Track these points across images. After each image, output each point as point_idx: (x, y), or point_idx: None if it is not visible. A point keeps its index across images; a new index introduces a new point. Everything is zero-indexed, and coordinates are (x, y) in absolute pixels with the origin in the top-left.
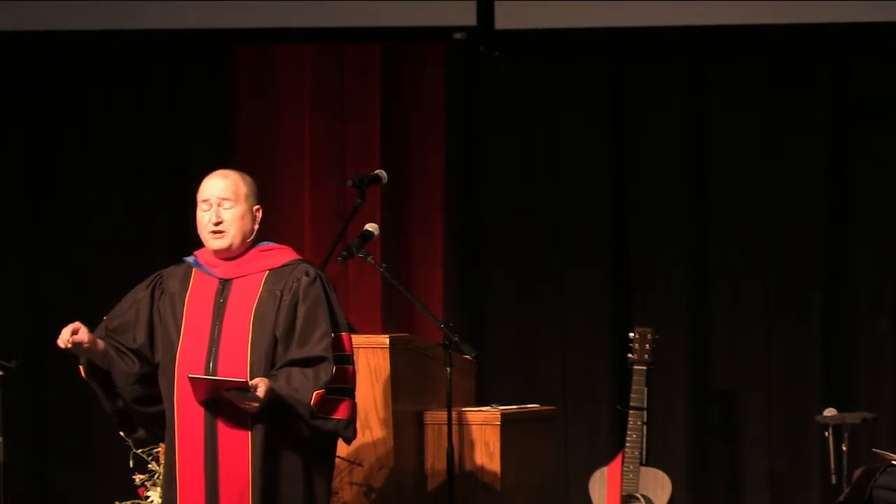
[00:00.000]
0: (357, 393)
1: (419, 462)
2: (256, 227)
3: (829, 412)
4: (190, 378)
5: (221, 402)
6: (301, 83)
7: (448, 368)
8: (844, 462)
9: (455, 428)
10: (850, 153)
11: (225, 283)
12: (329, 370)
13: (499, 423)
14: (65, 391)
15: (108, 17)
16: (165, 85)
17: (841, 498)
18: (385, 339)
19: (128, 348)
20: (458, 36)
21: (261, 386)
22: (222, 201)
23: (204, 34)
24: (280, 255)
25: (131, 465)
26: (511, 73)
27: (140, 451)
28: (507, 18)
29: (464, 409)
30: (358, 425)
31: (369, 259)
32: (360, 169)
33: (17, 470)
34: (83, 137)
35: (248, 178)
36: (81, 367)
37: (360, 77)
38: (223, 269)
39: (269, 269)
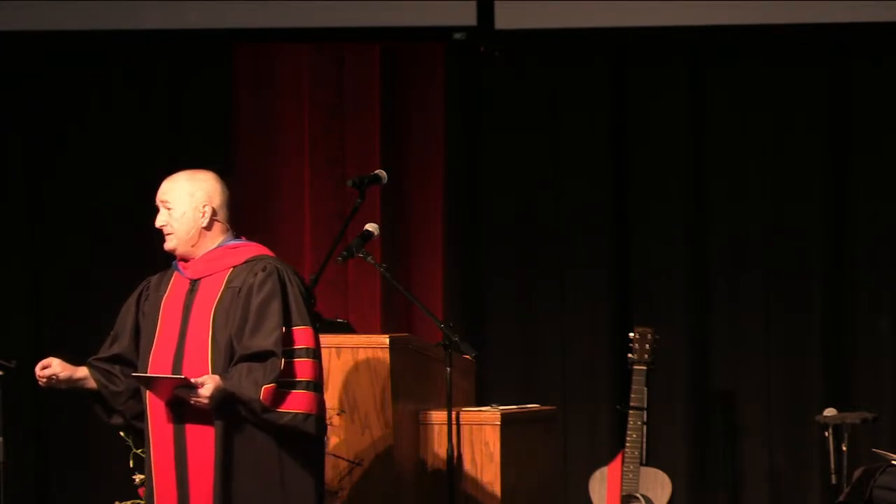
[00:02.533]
0: (357, 393)
1: (419, 462)
2: (202, 225)
3: (829, 412)
4: (134, 376)
5: (185, 400)
6: (301, 83)
7: (448, 368)
8: (844, 462)
9: (455, 428)
10: (850, 153)
11: (194, 283)
12: (277, 365)
13: (499, 423)
14: (64, 391)
15: (108, 17)
16: (165, 85)
17: (841, 498)
18: (385, 339)
19: (112, 360)
20: (458, 36)
21: (209, 383)
22: (163, 203)
23: (204, 34)
24: (245, 251)
25: (131, 465)
26: (511, 73)
27: (140, 451)
28: (507, 18)
29: (464, 409)
30: (358, 425)
31: (369, 259)
32: (360, 169)
33: (17, 470)
34: (83, 138)
35: (202, 176)
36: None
37: (359, 77)
38: (192, 270)
39: (232, 267)
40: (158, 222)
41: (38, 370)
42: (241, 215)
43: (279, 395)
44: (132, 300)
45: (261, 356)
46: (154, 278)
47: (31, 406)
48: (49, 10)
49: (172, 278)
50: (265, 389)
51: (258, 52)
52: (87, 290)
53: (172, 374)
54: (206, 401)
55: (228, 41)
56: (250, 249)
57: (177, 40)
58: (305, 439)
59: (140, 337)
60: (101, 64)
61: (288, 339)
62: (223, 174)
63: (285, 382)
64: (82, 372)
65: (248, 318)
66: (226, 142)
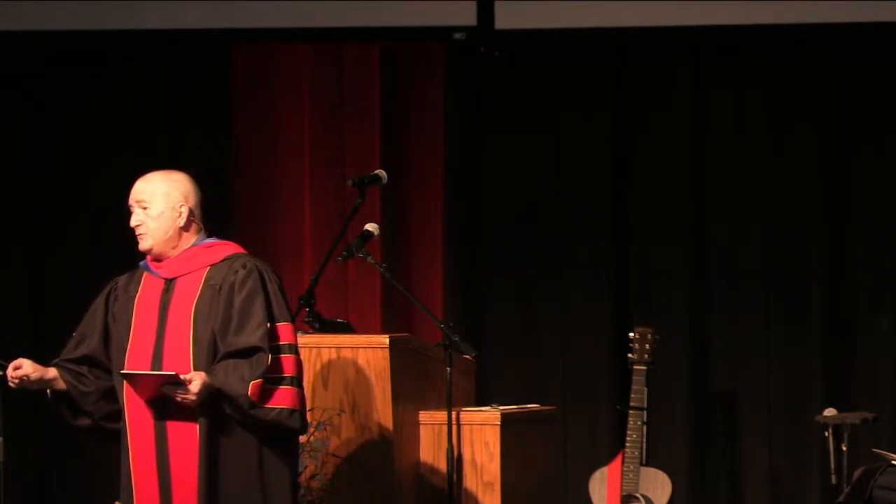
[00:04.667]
0: (357, 393)
1: (419, 462)
2: (180, 224)
3: (829, 412)
4: (122, 374)
5: (167, 398)
6: (301, 83)
7: (448, 368)
8: (844, 462)
9: (455, 428)
10: (850, 153)
11: (169, 283)
12: (264, 360)
13: (499, 423)
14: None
15: (108, 17)
16: (165, 85)
17: (841, 498)
18: (385, 339)
19: (81, 361)
20: (458, 36)
21: (196, 380)
22: (138, 203)
23: (204, 34)
24: (220, 250)
25: None
26: (511, 73)
27: None
28: (507, 18)
29: (464, 409)
30: (358, 425)
31: (369, 259)
32: (360, 169)
33: (17, 470)
34: (83, 138)
35: (177, 177)
36: (48, 391)
37: (359, 77)
38: (167, 269)
39: (210, 265)
40: (134, 222)
41: (9, 371)
42: (241, 215)
43: (265, 391)
44: (100, 301)
45: (246, 352)
46: (122, 279)
47: (31, 406)
48: (49, 10)
49: (143, 278)
50: (252, 385)
51: (258, 53)
52: (88, 291)
53: (151, 373)
54: (193, 397)
55: (228, 41)
56: (226, 248)
57: (177, 40)
58: (286, 435)
59: (110, 338)
60: (101, 64)
61: (273, 334)
62: (223, 174)
63: (272, 378)
64: (52, 373)
65: (232, 315)
66: (226, 142)
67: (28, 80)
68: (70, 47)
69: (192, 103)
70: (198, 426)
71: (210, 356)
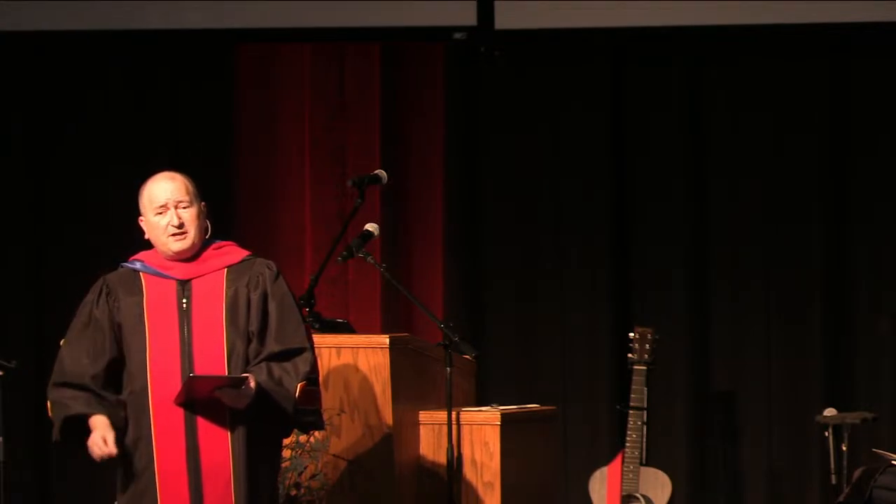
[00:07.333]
0: (357, 393)
1: (419, 462)
2: (208, 224)
3: (829, 412)
4: (191, 378)
5: (198, 402)
6: (301, 83)
7: (448, 368)
8: (844, 462)
9: (455, 428)
10: (850, 153)
11: (184, 284)
12: (308, 360)
13: (499, 423)
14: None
15: (108, 17)
16: (166, 85)
17: (841, 498)
18: (385, 339)
19: (105, 375)
20: (458, 36)
21: (250, 382)
22: (178, 203)
23: (205, 34)
24: (233, 251)
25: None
26: (511, 73)
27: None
28: (507, 18)
29: (464, 409)
30: (358, 425)
31: (369, 259)
32: (360, 169)
33: (17, 470)
34: (84, 139)
35: (190, 177)
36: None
37: (360, 77)
38: (180, 271)
39: (227, 267)
40: (176, 221)
41: (100, 447)
42: (241, 216)
43: (306, 393)
44: (99, 308)
45: (290, 353)
46: (111, 278)
47: (31, 406)
48: (49, 10)
49: (144, 281)
50: (299, 387)
51: (259, 52)
52: (88, 291)
53: (182, 377)
54: (248, 400)
55: (230, 41)
56: (237, 249)
57: (178, 40)
58: (284, 435)
59: (122, 339)
60: (101, 64)
61: (308, 334)
62: (224, 174)
63: (312, 379)
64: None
65: (270, 318)
66: (226, 142)
67: (28, 80)
68: (70, 47)
69: (193, 103)
70: (229, 431)
71: (244, 359)
